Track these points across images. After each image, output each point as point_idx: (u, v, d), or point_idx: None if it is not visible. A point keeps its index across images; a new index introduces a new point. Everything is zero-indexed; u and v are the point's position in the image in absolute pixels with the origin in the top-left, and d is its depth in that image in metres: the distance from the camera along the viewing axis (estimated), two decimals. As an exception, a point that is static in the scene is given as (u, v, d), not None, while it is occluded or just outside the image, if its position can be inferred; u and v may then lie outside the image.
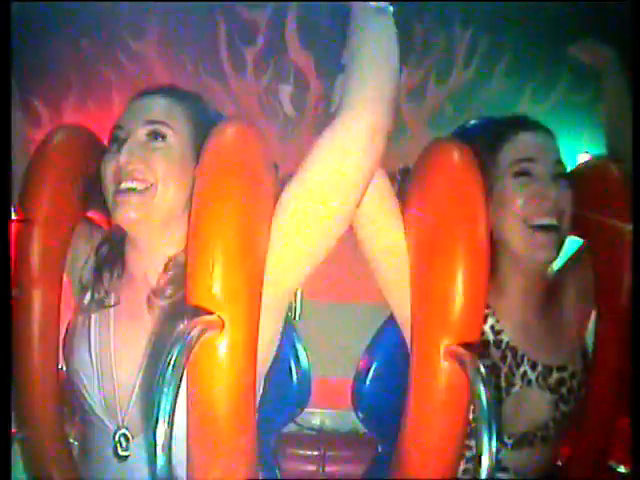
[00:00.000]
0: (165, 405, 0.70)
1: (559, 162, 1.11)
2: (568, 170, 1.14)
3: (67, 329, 1.10)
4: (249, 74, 2.44)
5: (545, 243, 1.07)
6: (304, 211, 0.89)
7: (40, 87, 2.21)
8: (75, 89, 2.35)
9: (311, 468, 1.98)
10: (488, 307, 1.09)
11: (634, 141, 1.14)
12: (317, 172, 0.88)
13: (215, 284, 0.83)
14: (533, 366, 1.11)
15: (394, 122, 0.91)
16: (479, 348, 0.91)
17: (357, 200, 0.91)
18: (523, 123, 1.13)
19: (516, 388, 1.09)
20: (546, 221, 1.07)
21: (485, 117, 1.22)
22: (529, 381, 1.10)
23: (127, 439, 1.00)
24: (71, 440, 1.09)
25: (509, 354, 1.10)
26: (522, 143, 1.10)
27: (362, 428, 1.40)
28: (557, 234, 1.08)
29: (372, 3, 0.93)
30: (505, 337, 1.11)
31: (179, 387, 0.72)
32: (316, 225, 0.90)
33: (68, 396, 1.09)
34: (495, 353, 1.09)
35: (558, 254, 1.11)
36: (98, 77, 2.37)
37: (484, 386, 0.78)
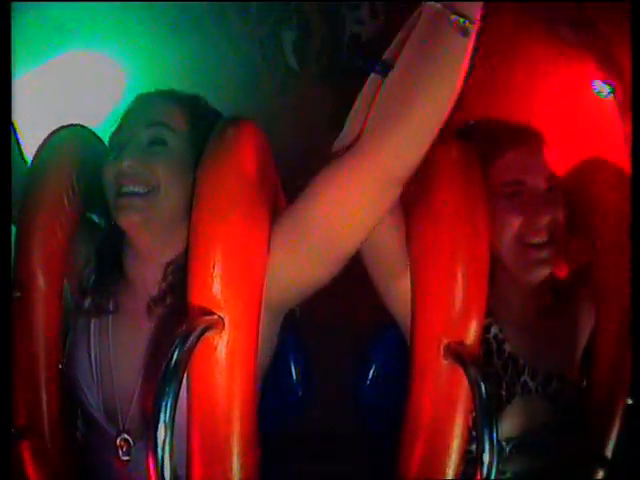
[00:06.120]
0: (166, 405, 0.71)
1: (551, 176, 1.10)
2: (561, 179, 1.13)
3: (67, 333, 1.10)
4: (252, 17, 2.27)
5: (539, 260, 1.07)
6: (307, 246, 0.89)
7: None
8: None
9: (311, 468, 1.98)
10: (490, 315, 1.09)
11: (634, 141, 1.13)
12: (323, 209, 0.86)
13: (215, 284, 0.83)
14: (533, 375, 1.11)
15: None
16: (479, 348, 0.91)
17: (363, 238, 0.89)
18: (516, 136, 1.12)
19: (517, 397, 1.09)
20: (539, 239, 1.07)
21: (482, 120, 1.20)
22: (529, 390, 1.10)
23: (128, 443, 1.00)
24: (73, 442, 1.09)
25: (510, 363, 1.10)
26: (514, 162, 1.09)
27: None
28: (552, 249, 1.08)
29: (455, 16, 0.72)
30: (507, 347, 1.11)
31: (180, 387, 0.73)
32: (319, 258, 0.90)
33: (69, 399, 1.08)
34: (497, 363, 1.09)
35: (553, 268, 1.10)
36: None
37: (484, 385, 0.79)
